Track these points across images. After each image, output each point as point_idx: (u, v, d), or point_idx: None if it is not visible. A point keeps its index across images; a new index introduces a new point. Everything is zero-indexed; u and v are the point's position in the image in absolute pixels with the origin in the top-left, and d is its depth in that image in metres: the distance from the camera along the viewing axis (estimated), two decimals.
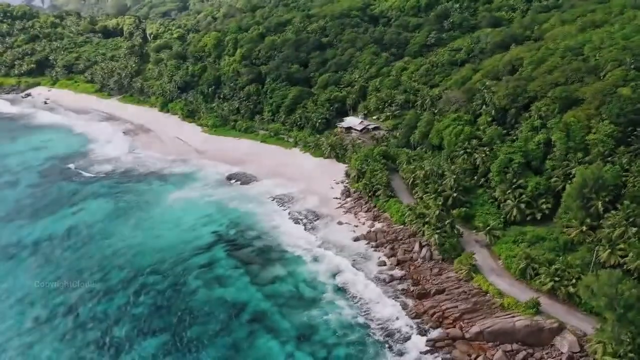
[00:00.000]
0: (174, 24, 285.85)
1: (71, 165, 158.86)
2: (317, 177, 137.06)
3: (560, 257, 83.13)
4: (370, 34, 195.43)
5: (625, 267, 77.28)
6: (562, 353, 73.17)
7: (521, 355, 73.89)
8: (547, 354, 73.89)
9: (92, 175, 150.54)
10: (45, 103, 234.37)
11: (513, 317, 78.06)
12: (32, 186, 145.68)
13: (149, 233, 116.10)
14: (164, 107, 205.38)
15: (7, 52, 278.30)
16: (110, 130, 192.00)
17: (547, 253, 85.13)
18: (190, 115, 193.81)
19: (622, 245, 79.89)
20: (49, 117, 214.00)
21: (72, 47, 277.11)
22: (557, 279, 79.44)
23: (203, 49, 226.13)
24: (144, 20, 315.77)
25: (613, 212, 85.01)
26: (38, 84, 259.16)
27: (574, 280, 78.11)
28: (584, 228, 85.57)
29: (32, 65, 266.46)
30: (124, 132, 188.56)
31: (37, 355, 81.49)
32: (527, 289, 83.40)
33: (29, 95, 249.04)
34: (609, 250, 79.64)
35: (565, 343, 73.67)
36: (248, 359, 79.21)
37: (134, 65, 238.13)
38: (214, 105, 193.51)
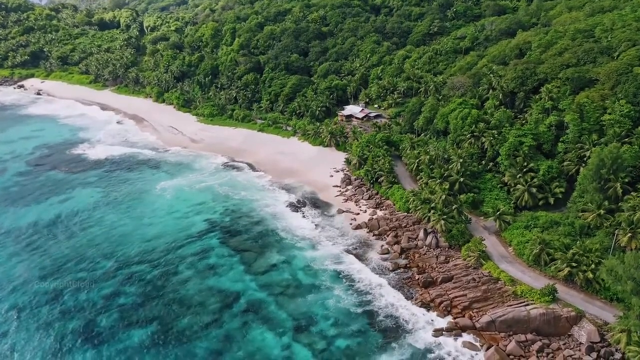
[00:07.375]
0: (171, 16, 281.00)
1: (62, 154, 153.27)
2: (316, 165, 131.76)
3: (577, 242, 77.66)
4: (372, 23, 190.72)
5: None
6: (580, 343, 67.68)
7: (536, 345, 68.23)
8: (564, 344, 68.35)
9: (83, 164, 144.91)
10: (39, 94, 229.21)
11: (527, 305, 72.49)
12: (20, 174, 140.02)
13: (139, 221, 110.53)
14: (160, 97, 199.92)
15: (0, 43, 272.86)
16: (103, 120, 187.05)
17: (562, 238, 79.63)
18: (186, 105, 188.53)
19: None
20: (41, 107, 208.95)
21: (67, 39, 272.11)
22: (574, 264, 73.97)
23: (200, 39, 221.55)
24: (141, 14, 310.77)
25: (633, 193, 79.80)
26: (32, 76, 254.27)
27: (592, 266, 72.63)
28: (602, 211, 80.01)
29: (26, 57, 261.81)
30: (117, 122, 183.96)
31: (16, 345, 75.83)
32: (541, 276, 77.97)
33: (22, 86, 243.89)
34: (630, 234, 74.26)
35: (583, 332, 68.26)
36: (241, 351, 73.63)
37: (129, 56, 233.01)
38: (210, 94, 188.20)
